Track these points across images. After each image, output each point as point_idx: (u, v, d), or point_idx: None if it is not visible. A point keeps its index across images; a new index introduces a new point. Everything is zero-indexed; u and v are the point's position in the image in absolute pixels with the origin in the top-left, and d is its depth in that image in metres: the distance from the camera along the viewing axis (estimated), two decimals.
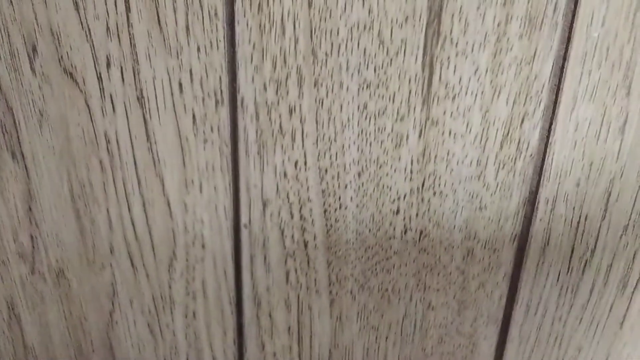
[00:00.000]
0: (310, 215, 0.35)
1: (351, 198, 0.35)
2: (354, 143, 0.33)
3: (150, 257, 0.37)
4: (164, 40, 0.31)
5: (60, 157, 0.34)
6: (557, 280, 0.37)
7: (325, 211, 0.35)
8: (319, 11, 0.30)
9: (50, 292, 0.39)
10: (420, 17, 0.30)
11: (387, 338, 0.39)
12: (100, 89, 0.32)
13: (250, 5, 0.30)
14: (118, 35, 0.31)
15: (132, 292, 0.38)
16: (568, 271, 0.36)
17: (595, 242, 0.35)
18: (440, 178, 0.34)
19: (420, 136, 0.33)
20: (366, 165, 0.34)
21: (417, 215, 0.35)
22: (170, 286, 0.38)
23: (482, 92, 0.32)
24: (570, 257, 0.36)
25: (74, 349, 0.41)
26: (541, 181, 0.34)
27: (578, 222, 0.35)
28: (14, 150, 0.34)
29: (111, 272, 0.38)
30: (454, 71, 0.31)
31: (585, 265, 0.36)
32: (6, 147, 0.34)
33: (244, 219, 0.36)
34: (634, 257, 0.36)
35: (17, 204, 0.36)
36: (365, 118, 0.32)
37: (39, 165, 0.35)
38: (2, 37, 0.32)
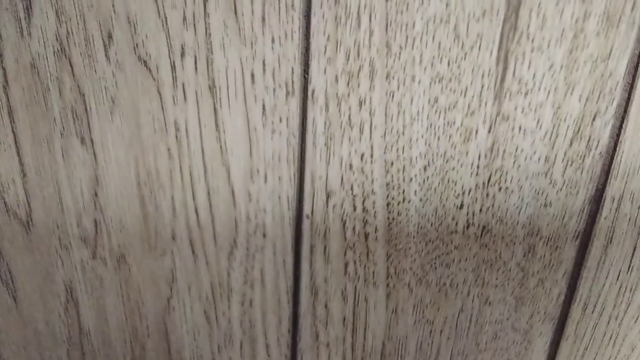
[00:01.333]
0: (373, 208, 0.35)
1: (415, 192, 0.35)
2: (422, 137, 0.33)
3: (211, 245, 0.37)
4: (239, 30, 0.31)
5: (129, 144, 0.35)
6: (617, 279, 0.37)
7: (388, 204, 0.35)
8: (396, 4, 0.30)
9: (109, 276, 0.39)
10: (497, 11, 0.30)
11: (441, 332, 0.39)
12: (173, 77, 0.33)
13: None
14: (194, 24, 0.31)
15: (190, 278, 0.39)
16: (629, 270, 0.36)
17: None
18: (507, 174, 0.34)
19: (489, 131, 0.33)
20: (433, 159, 0.34)
21: (480, 210, 0.35)
22: (229, 274, 0.38)
23: (556, 89, 0.31)
24: (632, 256, 0.36)
25: (129, 333, 0.42)
26: (608, 179, 0.34)
27: None
28: (83, 136, 0.35)
29: (171, 258, 0.38)
30: (529, 67, 0.31)
31: None
32: (76, 133, 0.35)
33: (306, 210, 0.36)
34: None
35: (83, 188, 0.36)
36: (435, 112, 0.32)
37: (107, 151, 0.35)
38: (77, 23, 0.32)
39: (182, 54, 0.32)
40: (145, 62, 0.32)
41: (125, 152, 0.35)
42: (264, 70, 0.32)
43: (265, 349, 0.41)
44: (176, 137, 0.34)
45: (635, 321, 0.38)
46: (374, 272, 0.38)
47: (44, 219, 0.37)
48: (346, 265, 0.37)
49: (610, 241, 0.35)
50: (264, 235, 0.37)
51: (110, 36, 0.32)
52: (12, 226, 0.38)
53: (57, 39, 0.33)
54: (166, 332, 0.41)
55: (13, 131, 0.35)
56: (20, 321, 0.42)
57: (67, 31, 0.32)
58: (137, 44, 0.32)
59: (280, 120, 0.33)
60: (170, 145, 0.34)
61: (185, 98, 0.33)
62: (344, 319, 0.39)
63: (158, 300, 0.40)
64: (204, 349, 0.42)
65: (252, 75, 0.32)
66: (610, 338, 0.39)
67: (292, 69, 0.32)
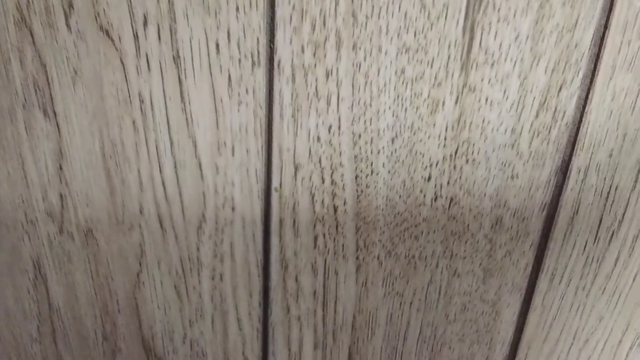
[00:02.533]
0: (342, 181, 0.35)
1: (383, 164, 0.35)
2: (390, 108, 0.33)
3: (180, 219, 0.37)
4: None
5: (92, 116, 0.34)
6: (584, 249, 0.37)
7: (356, 177, 0.35)
8: None
9: (77, 251, 0.39)
10: None
11: (411, 304, 0.40)
12: (136, 47, 0.32)
13: None
14: None
15: (159, 253, 0.38)
16: (595, 241, 0.37)
17: (624, 213, 0.36)
18: (474, 146, 0.34)
19: (456, 102, 0.33)
20: (400, 131, 0.34)
21: (448, 182, 0.35)
22: (198, 248, 0.38)
23: (522, 59, 0.31)
24: (598, 227, 0.36)
25: (99, 309, 0.41)
26: (575, 150, 0.34)
27: (608, 193, 0.35)
28: (46, 108, 0.34)
29: (140, 232, 0.38)
30: (495, 37, 0.31)
31: (612, 236, 0.37)
32: (38, 105, 0.34)
33: (275, 183, 0.36)
34: None
35: (47, 162, 0.36)
36: (402, 83, 0.32)
37: (71, 123, 0.34)
38: None
39: (145, 23, 0.31)
40: (107, 31, 0.32)
41: (90, 125, 0.34)
42: (229, 40, 0.32)
43: (236, 322, 0.41)
44: (141, 109, 0.34)
45: (603, 292, 0.39)
46: (343, 245, 0.38)
47: (9, 194, 0.37)
48: (315, 238, 0.37)
49: (577, 212, 0.36)
50: (233, 209, 0.37)
51: (70, 5, 0.31)
52: None
53: (17, 8, 0.32)
54: (137, 308, 0.41)
55: None
56: None
57: (27, 0, 0.31)
58: (98, 13, 0.31)
59: (247, 92, 0.33)
60: (135, 118, 0.34)
61: (149, 69, 0.33)
62: (315, 292, 0.40)
63: (127, 275, 0.40)
64: (176, 324, 0.42)
65: (217, 45, 0.32)
66: (578, 309, 0.40)
67: (258, 38, 0.31)
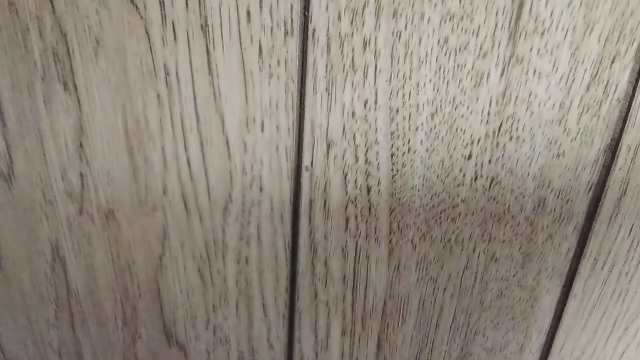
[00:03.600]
0: (377, 159, 0.34)
1: (421, 141, 0.33)
2: (430, 81, 0.31)
3: (205, 199, 0.35)
4: None
5: (115, 90, 0.32)
6: (630, 233, 0.35)
7: (392, 155, 0.33)
8: None
9: (98, 233, 0.37)
10: None
11: (445, 290, 0.38)
12: (162, 15, 0.30)
13: None
14: None
15: (183, 235, 0.37)
16: None
17: None
18: (519, 121, 0.32)
19: (502, 75, 0.31)
20: (441, 106, 0.32)
21: (489, 161, 0.33)
22: (223, 230, 0.37)
23: (574, 28, 0.29)
24: None
25: (119, 293, 0.40)
26: (625, 127, 0.32)
27: None
28: (66, 80, 0.32)
29: (163, 214, 0.36)
30: (546, 3, 0.29)
31: None
32: (58, 78, 0.32)
33: (305, 161, 0.34)
34: None
35: (67, 139, 0.34)
36: (445, 54, 0.30)
37: (92, 97, 0.33)
38: None
39: None
40: None
41: (112, 99, 0.33)
42: (261, 7, 0.30)
43: (262, 308, 0.40)
44: (166, 82, 0.32)
45: None
46: (376, 228, 0.36)
47: (27, 172, 0.35)
48: (347, 220, 0.36)
49: (625, 193, 0.34)
50: (261, 189, 0.35)
51: None
52: None
53: None
54: (158, 292, 0.40)
55: None
56: (5, 281, 0.40)
57: None
58: None
59: (278, 63, 0.31)
60: (160, 91, 0.32)
61: (175, 39, 0.31)
62: (344, 277, 0.38)
63: (149, 258, 0.38)
64: (199, 309, 0.40)
65: (248, 13, 0.30)
66: (620, 295, 0.38)
67: (291, 5, 0.30)
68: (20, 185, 0.36)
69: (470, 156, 0.33)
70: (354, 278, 0.38)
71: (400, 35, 0.30)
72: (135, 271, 0.39)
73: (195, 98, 0.32)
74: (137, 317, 0.41)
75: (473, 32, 0.30)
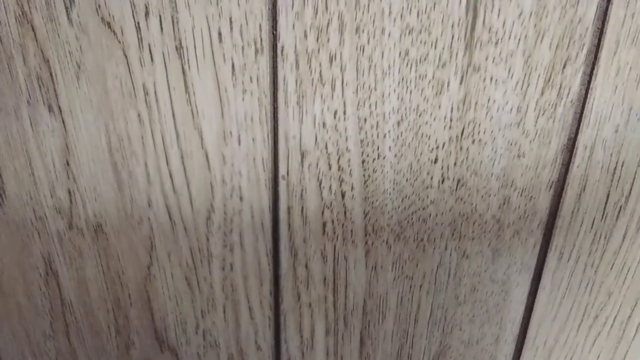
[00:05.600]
0: (349, 166, 0.35)
1: (390, 148, 0.35)
2: (394, 91, 0.33)
3: (188, 210, 0.37)
4: None
5: (98, 110, 0.34)
6: (592, 226, 0.37)
7: (363, 161, 0.35)
8: None
9: (88, 246, 0.39)
10: None
11: (421, 287, 0.40)
12: (138, 38, 0.32)
13: None
14: None
15: (169, 245, 0.39)
16: (602, 217, 0.37)
17: (631, 188, 0.36)
18: (479, 126, 0.34)
19: (461, 83, 0.33)
20: (406, 114, 0.34)
21: (455, 164, 0.35)
22: (207, 239, 0.38)
23: (526, 37, 0.31)
24: (606, 203, 0.36)
25: (111, 303, 0.42)
26: (580, 127, 0.34)
27: (615, 168, 0.35)
28: (50, 103, 0.34)
29: (149, 225, 0.38)
30: (498, 15, 0.31)
31: (619, 212, 0.37)
32: (43, 101, 0.34)
33: (282, 171, 0.36)
34: None
35: (54, 158, 0.36)
36: (407, 65, 0.32)
37: (76, 118, 0.34)
38: None
39: (147, 14, 0.31)
40: (108, 23, 0.32)
41: (95, 119, 0.34)
42: (231, 27, 0.31)
43: (248, 311, 0.41)
44: (145, 101, 0.34)
45: (611, 268, 0.39)
46: (352, 231, 0.38)
47: (17, 191, 0.37)
48: (324, 225, 0.38)
49: (584, 189, 0.36)
50: (241, 199, 0.37)
51: None
52: None
53: (17, 4, 0.32)
54: (149, 300, 0.41)
55: None
56: (1, 295, 0.42)
57: None
58: (99, 5, 0.31)
59: (251, 80, 0.33)
60: (140, 110, 0.34)
61: (152, 60, 0.32)
62: (325, 279, 0.40)
63: (138, 268, 0.40)
64: (188, 315, 0.42)
65: (220, 34, 0.32)
66: (587, 286, 0.40)
67: (260, 25, 0.31)
68: (11, 204, 0.37)
69: (436, 160, 0.35)
70: (334, 279, 0.40)
71: (363, 50, 0.32)
72: (125, 281, 0.40)
73: (174, 115, 0.34)
74: (129, 325, 0.43)
75: (432, 44, 0.32)
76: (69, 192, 0.37)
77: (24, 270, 0.40)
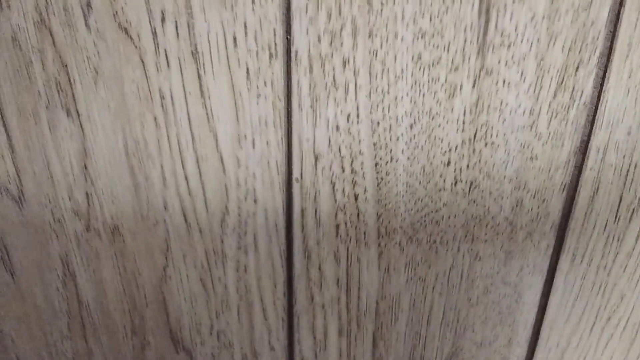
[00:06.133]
0: (362, 169, 0.36)
1: (402, 150, 0.35)
2: (407, 94, 0.33)
3: (203, 212, 0.38)
4: None
5: (115, 114, 0.35)
6: (604, 229, 0.37)
7: (376, 164, 0.36)
8: None
9: (105, 248, 0.40)
10: None
11: (433, 289, 0.40)
12: (155, 44, 0.32)
13: None
14: None
15: (185, 247, 0.39)
16: (615, 220, 0.37)
17: None
18: (492, 129, 0.34)
19: (474, 86, 0.33)
20: (418, 117, 0.34)
21: (467, 166, 0.35)
22: (222, 240, 0.39)
23: (538, 40, 0.31)
24: (619, 205, 0.36)
25: (127, 304, 0.42)
26: (593, 130, 0.34)
27: (627, 171, 0.35)
28: (69, 108, 0.35)
29: (165, 227, 0.38)
30: (511, 18, 0.31)
31: (632, 214, 0.37)
32: (61, 105, 0.35)
33: (295, 173, 0.36)
34: None
35: (72, 161, 0.36)
36: (419, 69, 0.32)
37: (93, 122, 0.35)
38: None
39: (163, 20, 0.32)
40: (125, 29, 0.32)
41: (112, 123, 0.35)
42: (246, 33, 0.32)
43: (262, 312, 0.42)
44: (162, 105, 0.34)
45: (624, 270, 0.39)
46: (365, 233, 0.38)
47: (36, 194, 0.38)
48: (337, 227, 0.38)
49: (597, 192, 0.36)
50: (255, 201, 0.37)
51: (89, 4, 0.32)
52: (5, 202, 0.38)
53: (36, 10, 0.32)
54: (164, 301, 0.42)
55: None
56: (19, 296, 0.42)
57: (46, 1, 0.32)
58: (116, 11, 0.32)
59: (265, 84, 0.33)
60: (157, 114, 0.34)
61: (168, 65, 0.33)
62: (338, 280, 0.40)
63: (154, 269, 0.40)
64: (202, 316, 0.42)
65: (235, 39, 0.32)
66: (600, 288, 0.40)
67: (274, 30, 0.32)
68: (30, 207, 0.38)
69: (449, 163, 0.35)
70: (347, 281, 0.40)
71: (376, 54, 0.32)
72: (141, 282, 0.41)
73: (189, 119, 0.35)
74: (145, 325, 0.43)
75: (444, 48, 0.32)
76: (87, 195, 0.38)
77: (42, 271, 0.41)
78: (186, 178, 0.37)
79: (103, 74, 0.33)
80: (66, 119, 0.35)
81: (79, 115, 0.35)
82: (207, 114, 0.34)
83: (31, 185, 0.37)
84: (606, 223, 0.37)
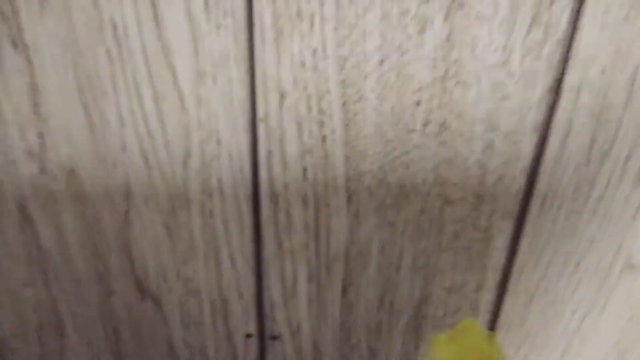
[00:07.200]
0: (329, 108, 0.34)
1: (372, 89, 0.34)
2: (376, 28, 0.32)
3: (164, 154, 0.36)
4: None
5: (64, 47, 0.32)
6: (575, 172, 0.37)
7: (344, 103, 0.34)
8: None
9: (62, 192, 0.38)
10: None
11: (403, 233, 0.39)
12: None
13: None
14: None
15: (147, 190, 0.38)
16: (587, 163, 0.36)
17: (616, 132, 0.35)
18: (463, 67, 0.33)
19: (445, 19, 0.31)
20: (388, 53, 0.32)
21: (438, 106, 0.34)
22: (185, 184, 0.37)
23: None
24: (590, 148, 0.36)
25: (90, 250, 0.41)
26: (567, 68, 0.33)
27: (600, 112, 0.34)
28: (15, 39, 0.32)
29: (124, 170, 0.37)
30: None
31: (604, 157, 0.36)
32: (7, 37, 0.32)
33: (260, 113, 0.35)
34: None
35: (22, 98, 0.34)
36: (389, 0, 0.31)
37: (42, 55, 0.33)
38: None
39: None
40: None
41: (62, 56, 0.33)
42: None
43: (229, 259, 0.41)
44: (114, 36, 0.32)
45: (594, 214, 0.39)
46: (333, 176, 0.37)
47: None
48: (305, 170, 0.37)
49: (569, 134, 0.35)
50: (218, 143, 0.36)
51: None
52: None
53: None
54: (128, 247, 0.41)
55: None
56: None
57: None
58: None
59: (225, 14, 0.31)
60: (109, 46, 0.32)
61: None
62: (306, 225, 0.39)
63: (115, 214, 0.39)
64: (168, 263, 0.41)
65: None
66: (569, 233, 0.40)
67: None
68: None
69: (419, 102, 0.34)
70: (315, 226, 0.39)
71: None
72: (103, 228, 0.40)
73: (144, 52, 0.33)
74: (109, 273, 0.42)
75: None
76: (39, 135, 0.36)
77: None
78: (144, 117, 0.35)
79: (50, 2, 0.31)
80: (13, 51, 0.33)
81: (26, 47, 0.33)
82: (163, 46, 0.32)
83: None
84: (576, 166, 0.36)
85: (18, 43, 0.32)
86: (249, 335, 0.46)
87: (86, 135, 0.35)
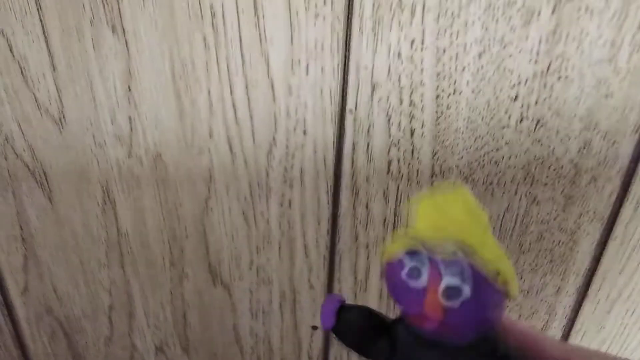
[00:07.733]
0: (421, 101, 0.34)
1: (467, 82, 0.33)
2: (479, 19, 0.31)
3: (250, 142, 0.36)
4: None
5: (162, 33, 0.33)
6: None
7: (437, 96, 0.33)
8: None
9: (146, 176, 0.39)
10: None
11: None
12: None
13: None
14: None
15: (228, 178, 0.38)
16: None
17: None
18: (568, 61, 0.31)
19: (553, 12, 0.30)
20: (489, 45, 0.31)
21: (536, 102, 0.33)
22: (267, 173, 0.37)
23: None
24: None
25: (167, 234, 0.41)
26: None
27: None
28: (114, 24, 0.33)
29: (209, 156, 0.37)
30: None
31: None
32: (106, 21, 0.33)
33: (350, 104, 0.34)
34: None
35: (115, 83, 0.35)
36: None
37: (140, 41, 0.33)
38: None
39: None
40: None
41: (159, 42, 0.33)
42: None
43: (303, 249, 0.41)
44: (212, 24, 0.32)
45: None
46: (418, 171, 0.36)
47: (77, 116, 0.36)
48: (389, 163, 0.36)
49: None
50: (305, 132, 0.35)
51: None
52: (45, 124, 0.37)
53: None
54: (204, 234, 0.41)
55: (41, 20, 0.33)
56: (57, 222, 0.42)
57: None
58: None
59: (325, 3, 0.31)
60: (206, 34, 0.32)
61: None
62: (385, 220, 0.39)
63: (196, 200, 0.39)
64: (242, 251, 0.42)
65: None
66: None
67: None
68: (71, 129, 0.37)
69: (516, 97, 0.33)
70: (394, 221, 0.39)
71: None
72: (182, 213, 0.40)
73: (241, 40, 0.32)
74: (183, 257, 0.43)
75: None
76: (130, 119, 0.36)
77: (81, 198, 0.40)
78: (234, 105, 0.35)
79: None
80: (111, 36, 0.33)
81: (124, 32, 0.33)
82: (259, 35, 0.32)
83: (72, 106, 0.36)
84: None
85: (117, 28, 0.33)
86: (314, 328, 0.45)
87: (175, 121, 0.36)
